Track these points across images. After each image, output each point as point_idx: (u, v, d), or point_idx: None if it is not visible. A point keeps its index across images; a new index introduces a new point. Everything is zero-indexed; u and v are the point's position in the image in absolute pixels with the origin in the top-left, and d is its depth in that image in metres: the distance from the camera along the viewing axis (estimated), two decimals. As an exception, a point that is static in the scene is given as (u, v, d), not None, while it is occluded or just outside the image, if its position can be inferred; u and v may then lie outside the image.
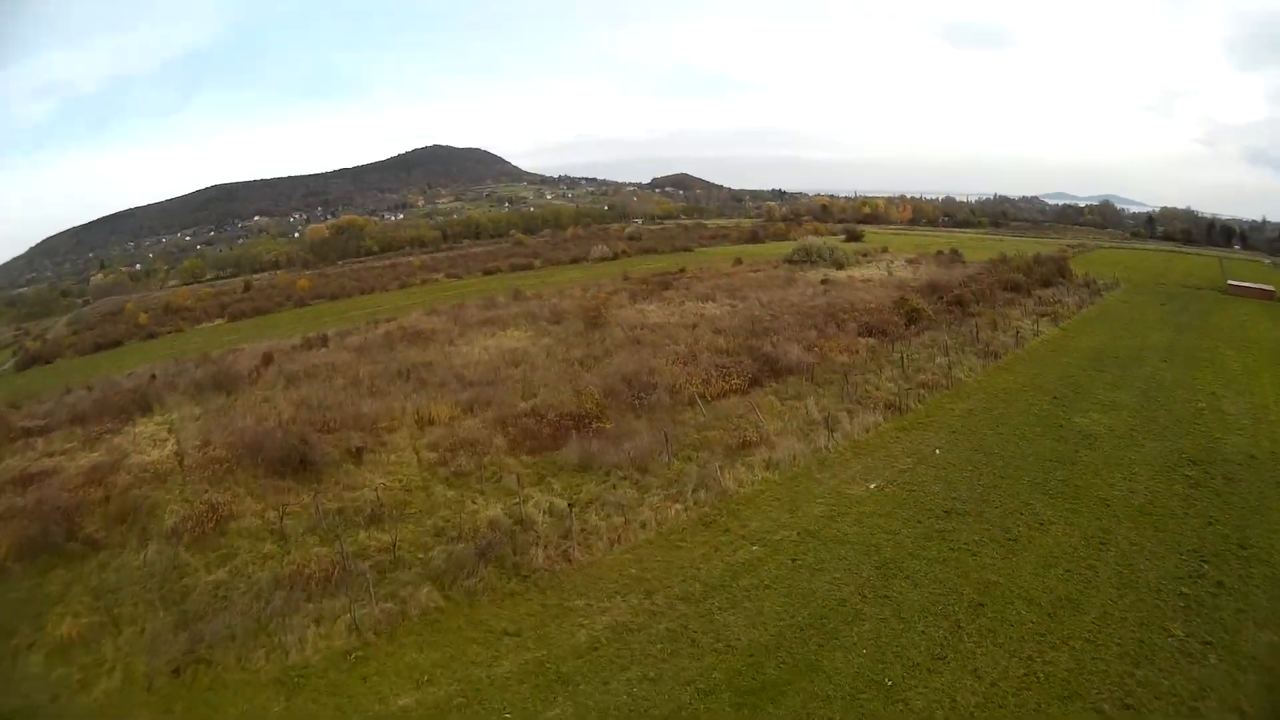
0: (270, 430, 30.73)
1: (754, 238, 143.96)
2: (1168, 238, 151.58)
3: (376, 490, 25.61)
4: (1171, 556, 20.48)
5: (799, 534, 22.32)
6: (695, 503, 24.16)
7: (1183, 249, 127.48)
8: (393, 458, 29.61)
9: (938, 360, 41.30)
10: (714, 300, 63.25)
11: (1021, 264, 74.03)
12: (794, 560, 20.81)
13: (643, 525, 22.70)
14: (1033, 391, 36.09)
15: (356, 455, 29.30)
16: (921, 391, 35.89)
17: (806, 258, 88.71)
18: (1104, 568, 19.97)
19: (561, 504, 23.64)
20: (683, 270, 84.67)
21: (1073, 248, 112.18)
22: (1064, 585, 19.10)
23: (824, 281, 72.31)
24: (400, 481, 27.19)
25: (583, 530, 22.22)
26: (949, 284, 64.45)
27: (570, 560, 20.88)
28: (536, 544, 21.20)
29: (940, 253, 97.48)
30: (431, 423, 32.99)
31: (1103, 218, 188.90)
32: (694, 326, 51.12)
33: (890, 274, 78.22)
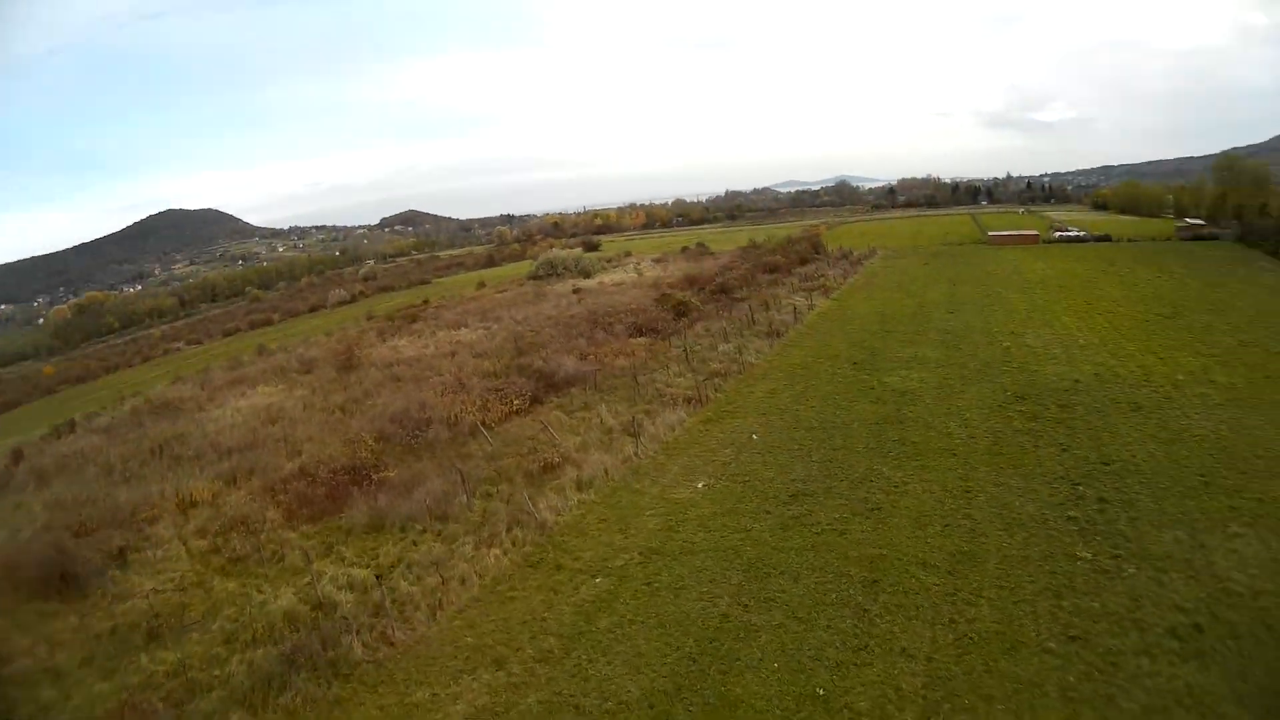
0: (25, 544, 29.19)
1: (490, 262, 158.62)
2: (910, 205, 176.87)
3: (148, 597, 23.59)
4: (1042, 488, 21.80)
5: (641, 554, 20.71)
6: (514, 543, 22.78)
7: (928, 212, 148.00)
8: (159, 553, 27.55)
9: (721, 348, 43.19)
10: (466, 326, 66.08)
11: (776, 246, 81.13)
12: (649, 584, 19.05)
13: (463, 581, 20.79)
14: (829, 361, 38.27)
15: (120, 557, 27.41)
16: (716, 380, 36.94)
17: (552, 271, 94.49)
18: (980, 514, 20.63)
19: (362, 575, 21.84)
20: (426, 302, 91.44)
21: (817, 226, 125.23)
22: (949, 541, 19.33)
23: (576, 291, 76.21)
24: (172, 581, 24.99)
25: (395, 602, 19.87)
26: (706, 275, 70.30)
27: (393, 643, 18.13)
28: (347, 631, 18.44)
29: (685, 249, 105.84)
30: (194, 504, 31.77)
31: (839, 196, 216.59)
32: (453, 354, 52.87)
33: (640, 275, 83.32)
